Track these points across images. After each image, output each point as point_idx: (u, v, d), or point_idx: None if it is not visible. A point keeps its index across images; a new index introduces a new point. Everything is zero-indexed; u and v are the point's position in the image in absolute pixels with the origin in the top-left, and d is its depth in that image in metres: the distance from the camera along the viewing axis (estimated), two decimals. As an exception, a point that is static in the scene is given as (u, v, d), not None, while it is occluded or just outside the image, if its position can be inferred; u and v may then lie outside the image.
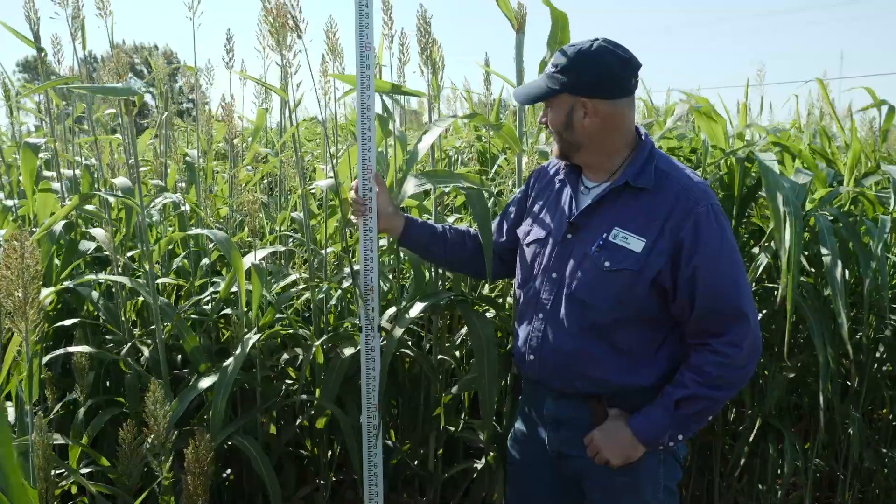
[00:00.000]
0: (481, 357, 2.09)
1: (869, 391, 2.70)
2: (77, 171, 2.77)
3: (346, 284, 2.40)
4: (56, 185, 2.60)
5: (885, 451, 2.70)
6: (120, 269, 2.42)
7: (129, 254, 2.62)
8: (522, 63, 2.27)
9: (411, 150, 2.17)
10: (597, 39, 1.66)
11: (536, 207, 1.89)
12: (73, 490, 1.92)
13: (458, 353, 2.56)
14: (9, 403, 1.91)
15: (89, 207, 2.49)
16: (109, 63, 2.19)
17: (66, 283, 2.27)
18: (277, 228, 2.89)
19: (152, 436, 1.62)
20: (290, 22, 1.96)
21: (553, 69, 1.68)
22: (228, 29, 2.75)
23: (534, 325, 1.78)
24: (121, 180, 2.46)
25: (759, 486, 2.77)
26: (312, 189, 2.47)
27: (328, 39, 2.06)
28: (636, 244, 1.63)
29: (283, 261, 2.83)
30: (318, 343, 2.26)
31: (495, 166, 3.49)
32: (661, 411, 1.62)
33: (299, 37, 1.99)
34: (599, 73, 1.64)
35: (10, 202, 2.67)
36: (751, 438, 2.69)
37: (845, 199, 2.67)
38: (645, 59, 1.70)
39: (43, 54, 2.53)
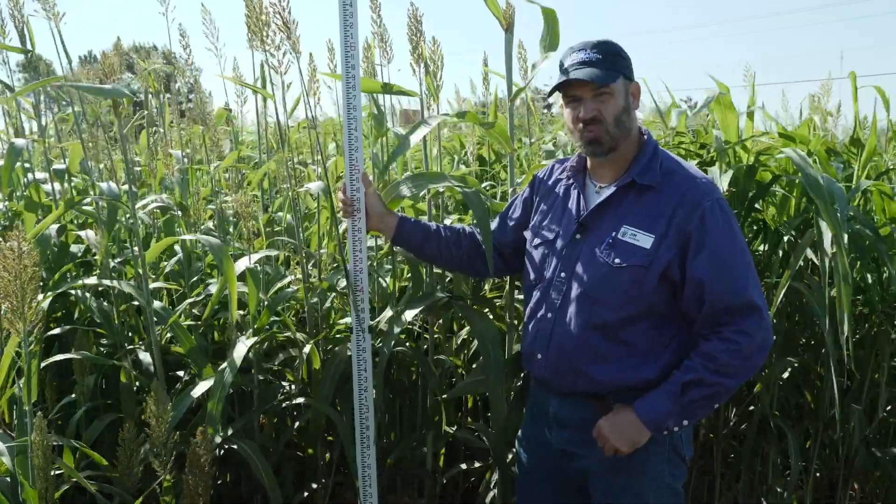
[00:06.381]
0: (486, 354, 2.08)
1: (869, 389, 2.69)
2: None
3: (341, 285, 2.38)
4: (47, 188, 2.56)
5: (875, 451, 2.69)
6: (111, 273, 2.39)
7: (118, 259, 2.59)
8: (513, 61, 2.28)
9: (399, 141, 2.15)
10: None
11: (543, 210, 1.90)
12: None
13: (461, 356, 2.54)
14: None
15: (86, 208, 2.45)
16: (98, 64, 2.17)
17: (61, 288, 2.24)
18: (273, 230, 2.87)
19: (153, 435, 1.61)
20: (280, 22, 1.95)
21: (598, 57, 1.68)
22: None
23: (543, 324, 1.78)
24: (105, 185, 2.42)
25: (761, 487, 2.76)
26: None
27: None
28: (645, 240, 1.64)
29: (280, 263, 2.81)
30: (311, 344, 2.24)
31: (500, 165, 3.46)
32: (666, 395, 1.62)
33: (288, 37, 1.97)
34: (628, 60, 1.73)
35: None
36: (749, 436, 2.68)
37: (856, 199, 2.60)
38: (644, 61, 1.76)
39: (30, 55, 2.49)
